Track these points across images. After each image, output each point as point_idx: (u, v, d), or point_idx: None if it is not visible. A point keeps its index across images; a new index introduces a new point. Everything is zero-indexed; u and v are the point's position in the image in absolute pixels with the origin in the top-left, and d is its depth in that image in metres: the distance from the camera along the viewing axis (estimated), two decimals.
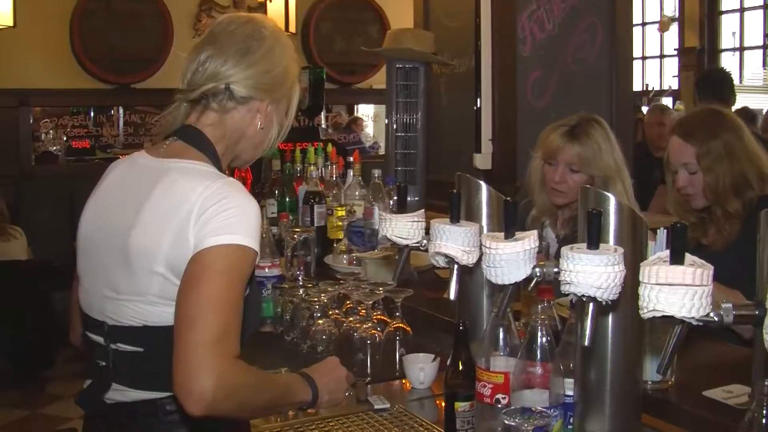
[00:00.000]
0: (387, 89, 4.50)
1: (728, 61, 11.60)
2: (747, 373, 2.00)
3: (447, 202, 2.16)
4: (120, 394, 2.07)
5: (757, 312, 1.63)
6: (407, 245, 2.31)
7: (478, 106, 5.35)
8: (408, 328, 2.96)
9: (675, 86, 12.08)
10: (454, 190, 2.23)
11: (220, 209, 1.95)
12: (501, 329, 2.24)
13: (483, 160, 5.31)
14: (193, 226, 1.94)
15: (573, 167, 3.33)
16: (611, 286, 1.69)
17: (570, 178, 3.35)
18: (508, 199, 2.00)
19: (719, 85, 6.57)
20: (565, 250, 1.73)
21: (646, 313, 1.58)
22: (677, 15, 12.14)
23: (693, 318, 1.55)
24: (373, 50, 4.93)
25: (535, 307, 2.15)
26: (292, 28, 9.66)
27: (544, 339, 2.12)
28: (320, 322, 3.06)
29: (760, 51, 11.04)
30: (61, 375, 7.18)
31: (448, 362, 2.38)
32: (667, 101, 11.63)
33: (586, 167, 3.32)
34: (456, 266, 2.13)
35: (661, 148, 7.54)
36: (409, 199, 4.21)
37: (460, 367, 2.34)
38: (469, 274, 2.30)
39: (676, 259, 1.56)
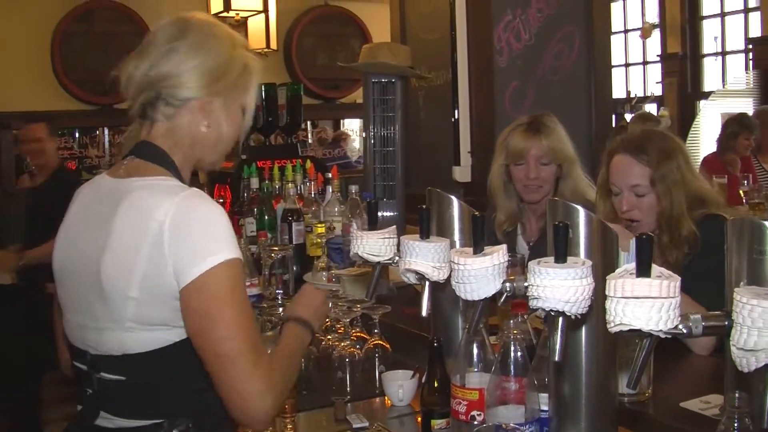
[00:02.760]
0: (364, 104, 4.48)
1: (710, 66, 11.62)
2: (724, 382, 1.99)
3: None
4: (108, 421, 2.04)
5: (726, 323, 1.61)
6: (379, 262, 2.29)
7: (456, 118, 5.33)
8: (387, 345, 2.94)
9: (658, 92, 12.08)
10: (424, 206, 2.21)
11: (194, 224, 1.93)
12: (474, 345, 2.22)
13: (462, 172, 5.29)
14: (167, 245, 1.90)
15: (543, 160, 3.45)
16: (580, 300, 1.66)
17: (542, 171, 3.46)
18: (476, 213, 1.97)
19: None
20: (532, 264, 1.71)
21: (613, 327, 1.56)
22: (658, 21, 12.16)
23: (661, 331, 1.53)
24: (348, 66, 4.92)
25: (507, 322, 2.13)
26: (274, 44, 9.67)
27: (518, 354, 2.10)
28: None
29: (742, 55, 11.05)
30: (49, 399, 7.12)
31: (424, 379, 2.38)
32: (650, 108, 11.65)
33: (554, 157, 3.44)
34: (427, 282, 2.11)
35: None
36: (388, 214, 4.26)
37: (436, 384, 2.33)
38: (442, 290, 2.28)
39: (643, 271, 1.54)
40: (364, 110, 4.49)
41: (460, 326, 2.51)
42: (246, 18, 9.05)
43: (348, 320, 2.97)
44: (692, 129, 10.24)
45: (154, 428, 1.99)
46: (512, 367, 2.10)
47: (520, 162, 3.46)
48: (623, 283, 1.53)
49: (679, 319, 1.56)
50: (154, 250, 1.91)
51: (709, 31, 11.62)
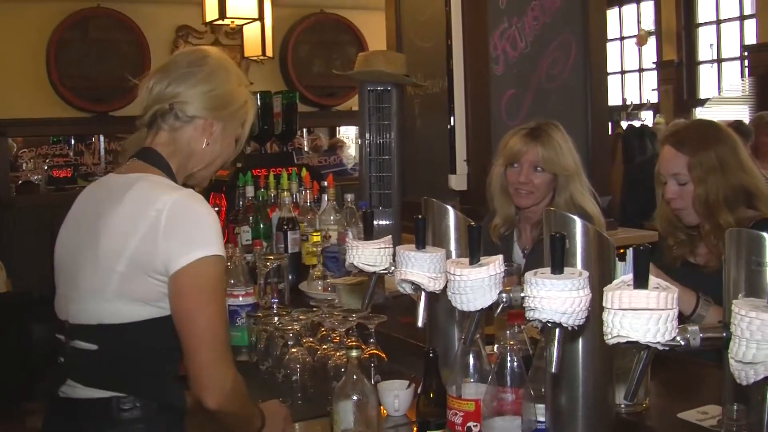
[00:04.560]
0: (360, 112, 4.48)
1: (706, 73, 11.62)
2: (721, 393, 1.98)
3: None
4: (71, 390, 2.23)
5: (724, 334, 1.59)
6: (375, 272, 2.28)
7: (452, 125, 5.33)
8: (382, 355, 2.92)
9: (654, 100, 12.08)
10: (420, 215, 2.19)
11: (189, 218, 2.18)
12: (471, 356, 2.21)
13: (458, 181, 5.29)
14: (162, 232, 2.14)
15: (537, 167, 3.44)
16: (576, 311, 1.65)
17: (534, 177, 3.45)
18: (473, 223, 1.96)
19: None
20: (528, 275, 1.69)
21: (610, 339, 1.54)
22: (654, 28, 12.16)
23: (658, 343, 1.52)
24: (344, 73, 4.90)
25: (504, 332, 2.12)
26: (270, 52, 9.63)
27: (514, 364, 2.10)
28: (294, 350, 3.01)
29: (738, 62, 11.05)
30: (42, 408, 7.08)
31: (419, 390, 2.36)
32: (646, 115, 11.65)
33: (549, 166, 3.43)
34: (423, 293, 2.10)
35: None
36: (384, 222, 4.25)
37: (432, 395, 2.31)
38: (437, 300, 2.27)
39: (640, 282, 1.53)
40: (360, 118, 4.49)
41: (456, 336, 2.50)
42: (241, 26, 9.00)
43: (343, 330, 2.95)
44: None
45: (105, 402, 2.19)
46: (509, 377, 2.09)
47: (514, 164, 3.46)
48: (621, 295, 1.51)
49: (677, 330, 1.54)
50: (149, 234, 2.15)
51: (705, 38, 11.63)
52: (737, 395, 1.71)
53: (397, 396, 2.72)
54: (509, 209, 3.59)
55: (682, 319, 2.20)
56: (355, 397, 2.31)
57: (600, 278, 1.87)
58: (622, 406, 2.19)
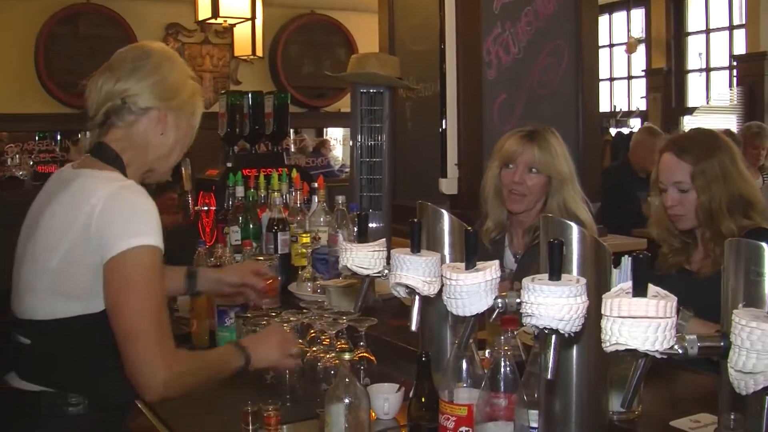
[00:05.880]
0: (352, 114, 4.47)
1: (695, 82, 11.66)
2: (714, 400, 1.96)
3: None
4: (17, 381, 2.31)
5: (722, 344, 1.59)
6: (368, 275, 2.27)
7: (444, 127, 5.32)
8: (372, 358, 2.90)
9: (643, 107, 12.10)
10: (415, 219, 2.18)
11: (123, 209, 2.21)
12: (464, 360, 2.20)
13: (449, 185, 5.28)
14: (95, 225, 2.18)
15: (532, 168, 3.44)
16: (574, 318, 1.64)
17: (528, 178, 3.45)
18: (470, 228, 1.95)
19: None
20: (526, 281, 1.68)
21: (608, 347, 1.54)
22: (644, 36, 12.19)
23: (657, 351, 1.51)
24: (337, 75, 4.89)
25: (498, 338, 2.11)
26: (260, 51, 9.62)
27: (507, 369, 2.09)
28: None
29: (726, 72, 11.09)
30: None
31: (411, 394, 2.35)
32: (635, 122, 11.68)
33: (544, 167, 3.43)
34: (417, 297, 2.09)
35: (648, 169, 7.50)
36: (374, 225, 4.24)
37: (423, 399, 2.30)
38: (432, 304, 2.26)
39: (639, 290, 1.52)
40: (352, 120, 4.48)
41: (449, 341, 2.49)
42: (233, 25, 8.98)
43: (333, 332, 2.93)
44: None
45: (35, 396, 2.26)
46: (502, 383, 2.08)
47: (509, 165, 3.46)
48: (620, 303, 1.51)
49: (675, 339, 1.54)
50: (83, 230, 2.19)
51: (694, 47, 11.66)
52: (734, 404, 1.70)
53: (387, 399, 2.70)
54: (501, 213, 3.58)
55: None
56: (347, 401, 2.29)
57: (596, 285, 1.86)
58: (614, 413, 2.18)
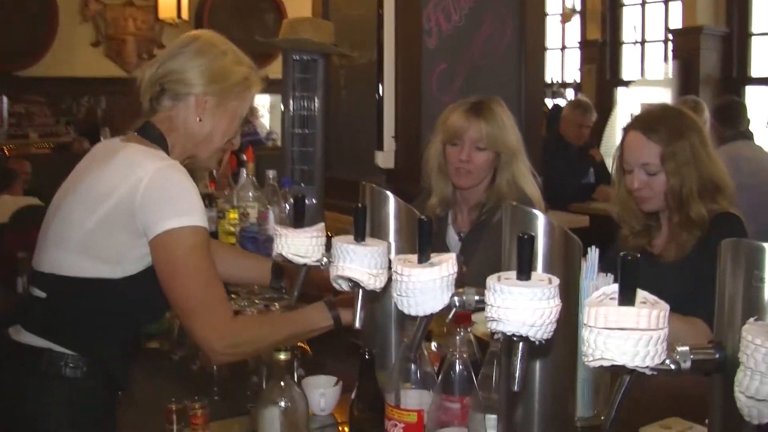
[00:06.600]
0: (283, 82, 4.31)
1: (630, 54, 11.60)
2: (685, 405, 1.92)
3: (347, 202, 1.95)
4: (17, 334, 2.31)
5: (717, 356, 1.39)
6: (305, 264, 2.06)
7: (380, 97, 5.13)
8: (307, 347, 2.75)
9: (578, 79, 12.03)
10: (359, 204, 1.95)
11: (168, 188, 2.22)
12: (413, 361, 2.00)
13: (385, 158, 5.09)
14: (140, 198, 2.19)
15: (479, 145, 3.29)
16: (546, 323, 1.42)
17: (476, 156, 3.30)
18: (423, 217, 1.72)
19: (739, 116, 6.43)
20: (491, 281, 1.45)
21: (592, 361, 1.32)
22: (579, 7, 12.10)
23: (647, 367, 1.31)
24: (269, 41, 4.68)
25: (452, 338, 1.91)
26: (185, 14, 9.38)
27: (462, 370, 1.92)
28: None
29: (662, 45, 11.03)
30: None
31: (353, 395, 2.15)
32: (569, 94, 11.59)
33: (492, 143, 3.29)
34: (361, 291, 1.87)
35: (579, 143, 7.35)
36: (307, 201, 4.01)
37: (367, 401, 2.11)
38: (376, 297, 2.04)
39: (627, 297, 1.31)
40: (283, 89, 4.33)
41: (394, 338, 2.29)
42: None
43: None
44: (611, 117, 10.18)
45: (37, 352, 2.25)
46: (456, 384, 1.92)
47: (455, 142, 3.28)
48: (606, 312, 1.29)
49: (666, 353, 1.33)
50: (127, 200, 2.20)
51: (630, 19, 11.59)
52: (725, 413, 1.49)
53: (323, 394, 2.51)
54: (446, 189, 3.41)
55: None
56: (282, 404, 2.09)
57: (565, 283, 1.64)
58: (578, 420, 1.99)
